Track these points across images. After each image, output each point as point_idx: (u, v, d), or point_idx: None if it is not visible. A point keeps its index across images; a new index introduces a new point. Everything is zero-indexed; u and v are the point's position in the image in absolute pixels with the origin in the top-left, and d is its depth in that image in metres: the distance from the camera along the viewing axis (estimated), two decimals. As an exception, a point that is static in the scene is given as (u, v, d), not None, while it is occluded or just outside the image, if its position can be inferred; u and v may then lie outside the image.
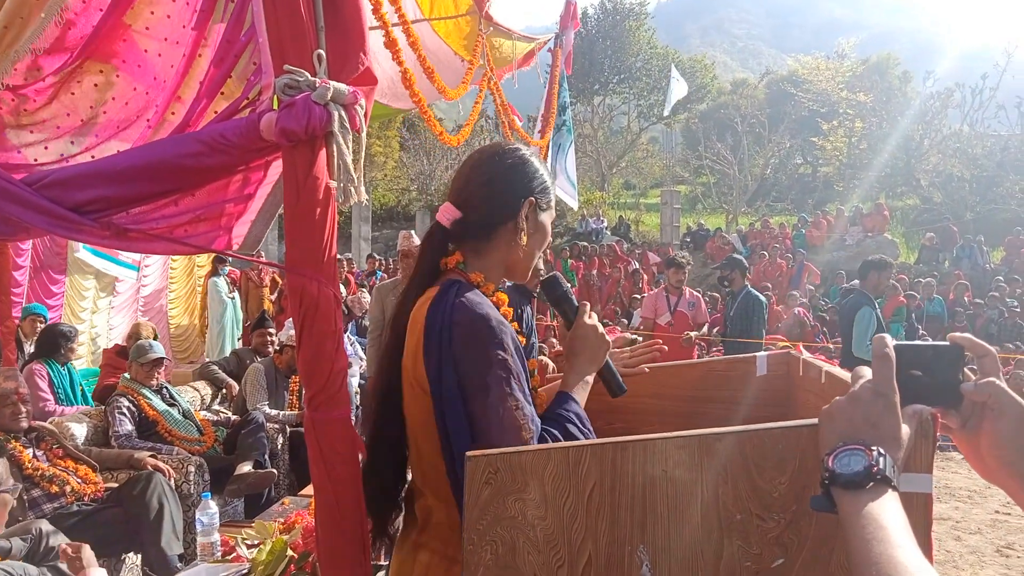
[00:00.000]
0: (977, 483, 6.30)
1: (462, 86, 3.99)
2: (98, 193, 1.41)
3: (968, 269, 15.12)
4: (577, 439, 1.33)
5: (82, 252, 7.07)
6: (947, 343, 0.99)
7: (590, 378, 1.47)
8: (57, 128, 1.62)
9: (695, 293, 7.28)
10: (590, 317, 1.51)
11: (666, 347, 1.85)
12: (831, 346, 9.87)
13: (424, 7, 3.67)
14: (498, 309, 1.39)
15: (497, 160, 1.47)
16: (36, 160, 1.60)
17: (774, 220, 20.68)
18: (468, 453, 1.19)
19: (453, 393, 1.30)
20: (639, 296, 12.12)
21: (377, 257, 16.66)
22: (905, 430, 0.93)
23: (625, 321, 11.79)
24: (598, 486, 1.14)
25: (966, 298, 12.73)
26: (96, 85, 1.66)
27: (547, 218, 1.49)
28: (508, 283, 1.62)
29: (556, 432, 1.32)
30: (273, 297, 10.08)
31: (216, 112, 1.63)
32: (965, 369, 1.00)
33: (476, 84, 4.29)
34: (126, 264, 7.89)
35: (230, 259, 9.08)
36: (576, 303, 1.55)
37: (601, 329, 1.50)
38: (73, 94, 1.61)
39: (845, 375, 1.42)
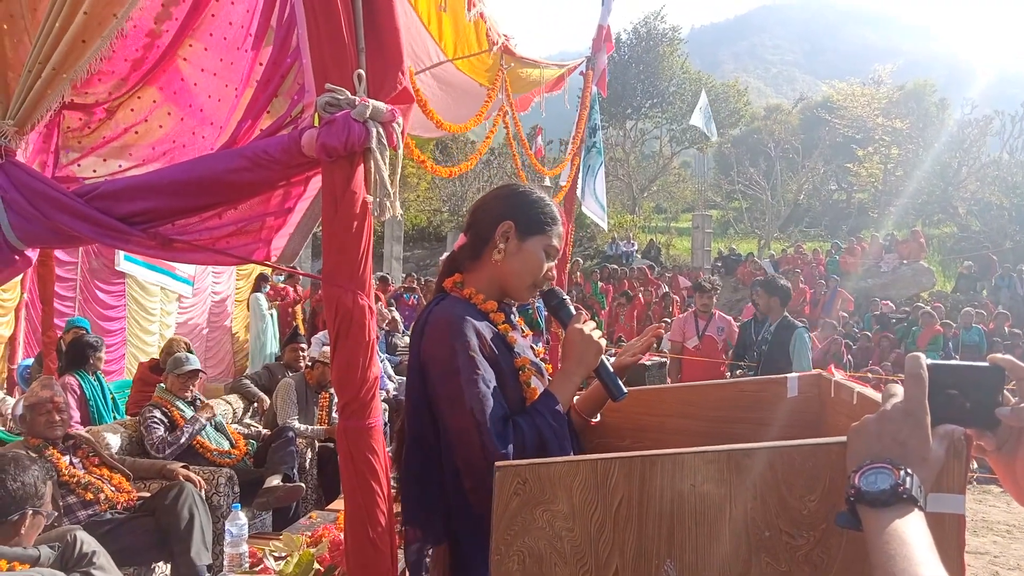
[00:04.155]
0: (1016, 517, 6.12)
1: (474, 119, 4.05)
2: (146, 205, 1.46)
3: (1007, 299, 14.78)
4: (543, 432, 1.45)
5: (124, 264, 7.28)
6: (987, 364, 0.98)
7: (577, 378, 1.59)
8: (123, 149, 1.68)
9: (725, 317, 7.16)
10: (583, 323, 1.61)
11: (662, 330, 2.00)
12: (868, 375, 9.67)
13: (448, 50, 3.73)
14: (487, 315, 1.57)
15: (496, 192, 1.71)
16: (95, 172, 1.67)
17: (807, 246, 20.45)
18: (497, 464, 1.20)
19: (415, 379, 1.50)
20: (668, 320, 12.03)
21: (415, 275, 16.68)
22: (935, 450, 0.93)
23: (654, 344, 11.69)
24: (626, 499, 1.14)
25: (1006, 328, 12.43)
26: (155, 101, 1.73)
27: (535, 244, 1.61)
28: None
29: (522, 423, 1.45)
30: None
31: (261, 130, 1.68)
32: (1006, 392, 0.98)
33: (494, 116, 4.34)
34: (183, 279, 8.15)
35: (272, 275, 9.33)
36: (573, 312, 1.67)
37: (589, 331, 1.59)
38: (133, 110, 1.68)
39: (878, 396, 1.41)
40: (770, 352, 5.97)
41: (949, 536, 1.01)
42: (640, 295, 14.38)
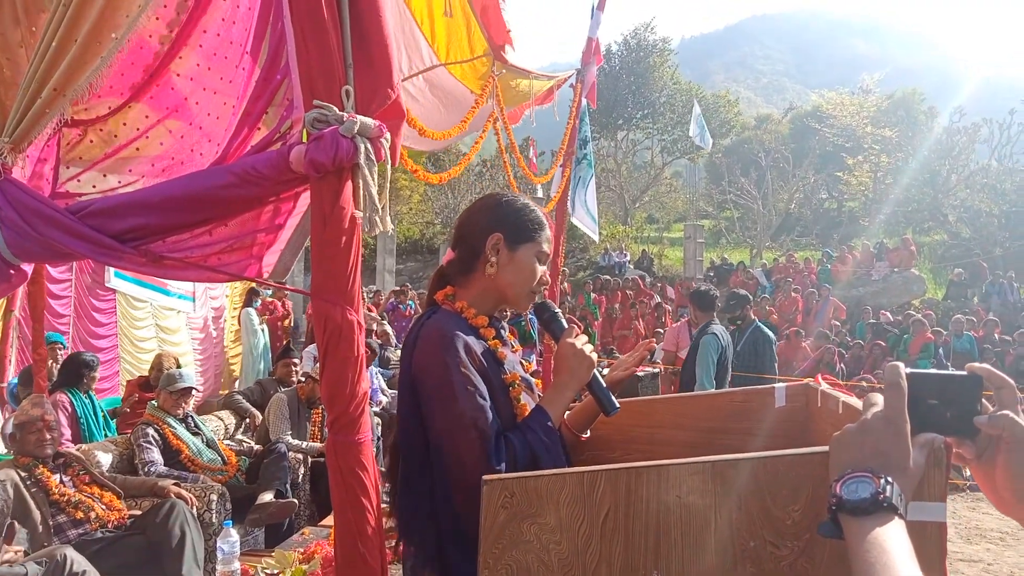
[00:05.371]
0: (1009, 524, 6.13)
1: (457, 127, 4.04)
2: (137, 222, 1.47)
3: (998, 306, 14.88)
4: (535, 448, 1.45)
5: (115, 281, 7.28)
6: (965, 373, 0.99)
7: (569, 393, 1.59)
8: (124, 164, 1.69)
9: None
10: (575, 337, 1.61)
11: (655, 344, 2.02)
12: (862, 383, 9.69)
13: (440, 52, 3.75)
14: (478, 330, 1.57)
15: (479, 203, 1.71)
16: (94, 187, 1.67)
17: (799, 255, 20.54)
18: (484, 477, 1.21)
19: (406, 394, 1.50)
20: (661, 330, 12.05)
21: (410, 288, 16.66)
22: (915, 459, 0.94)
23: (647, 357, 11.71)
24: (612, 511, 1.15)
25: (996, 334, 12.49)
26: (155, 118, 1.74)
27: (526, 252, 1.61)
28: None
29: (514, 439, 1.45)
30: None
31: (252, 146, 1.70)
32: (984, 400, 0.99)
33: (482, 125, 4.36)
34: (182, 296, 8.15)
35: (262, 291, 9.33)
36: (565, 325, 1.67)
37: (581, 346, 1.59)
38: (125, 124, 1.68)
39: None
40: (688, 357, 5.99)
41: (931, 544, 1.02)
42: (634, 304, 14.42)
